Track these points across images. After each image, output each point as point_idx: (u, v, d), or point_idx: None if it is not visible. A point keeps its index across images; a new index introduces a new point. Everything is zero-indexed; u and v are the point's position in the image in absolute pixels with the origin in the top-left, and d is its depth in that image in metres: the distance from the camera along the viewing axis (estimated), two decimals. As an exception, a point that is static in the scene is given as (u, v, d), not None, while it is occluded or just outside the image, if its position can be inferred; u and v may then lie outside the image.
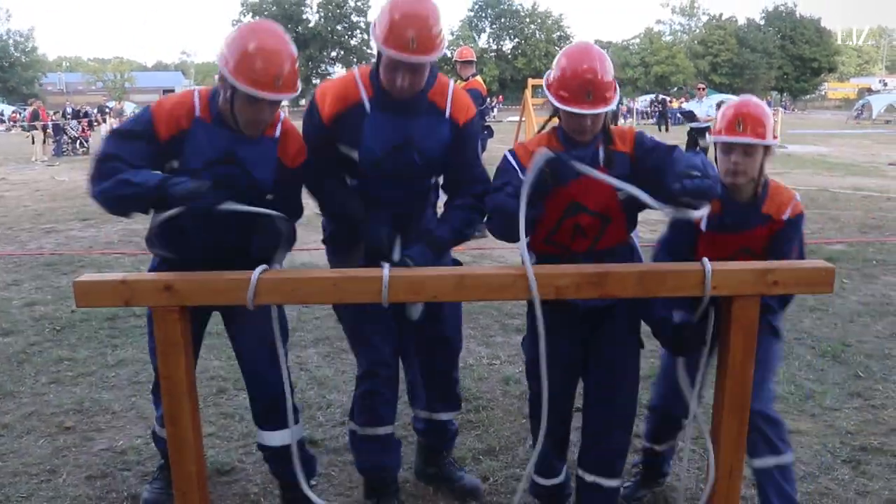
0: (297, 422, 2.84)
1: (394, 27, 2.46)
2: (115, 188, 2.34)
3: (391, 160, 2.70)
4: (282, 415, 2.77)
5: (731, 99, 2.89)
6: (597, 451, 2.81)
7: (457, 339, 3.15)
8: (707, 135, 14.01)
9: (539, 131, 2.75)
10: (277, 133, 2.63)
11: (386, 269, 2.27)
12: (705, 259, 2.29)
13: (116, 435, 3.76)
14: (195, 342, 2.81)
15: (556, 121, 2.68)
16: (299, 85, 2.49)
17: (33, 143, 21.80)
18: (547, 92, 2.59)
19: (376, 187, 2.77)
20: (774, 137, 2.71)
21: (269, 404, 2.82)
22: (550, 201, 2.55)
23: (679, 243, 2.82)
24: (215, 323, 2.95)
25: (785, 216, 2.73)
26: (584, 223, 2.60)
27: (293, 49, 2.48)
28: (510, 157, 2.62)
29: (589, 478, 2.82)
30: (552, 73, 2.59)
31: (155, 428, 3.12)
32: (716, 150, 2.76)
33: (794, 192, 2.80)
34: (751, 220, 2.74)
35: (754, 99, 2.78)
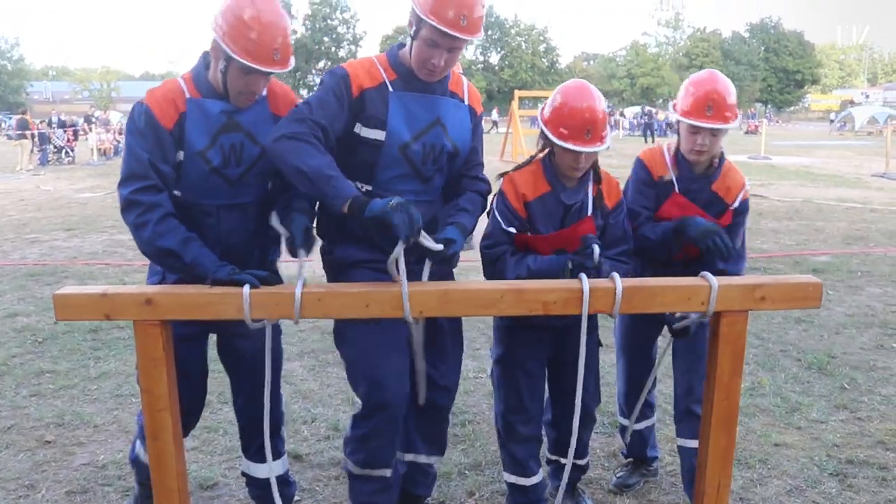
0: (281, 454, 2.83)
1: (445, 0, 2.36)
2: (175, 254, 2.36)
3: (420, 145, 2.55)
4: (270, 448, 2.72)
5: (697, 75, 2.94)
6: (568, 436, 2.91)
7: (457, 381, 2.96)
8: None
9: (527, 162, 2.82)
10: (264, 91, 2.55)
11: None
12: (704, 276, 2.31)
13: (98, 449, 3.71)
14: (202, 369, 2.82)
15: (541, 153, 2.80)
16: (293, 59, 2.48)
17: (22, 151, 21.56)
18: (544, 128, 2.66)
19: (395, 189, 2.52)
20: (736, 115, 2.81)
21: (258, 438, 2.75)
22: (536, 244, 2.72)
23: (648, 198, 2.95)
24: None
25: (735, 204, 2.90)
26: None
27: (289, 21, 2.46)
28: (501, 203, 2.74)
29: (564, 460, 2.94)
30: (549, 109, 2.67)
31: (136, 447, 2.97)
32: (678, 125, 2.88)
33: (744, 178, 2.96)
34: (701, 192, 2.89)
35: (720, 77, 2.86)
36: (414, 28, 2.45)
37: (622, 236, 2.80)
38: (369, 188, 2.56)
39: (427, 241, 2.28)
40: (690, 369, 3.04)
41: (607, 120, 2.66)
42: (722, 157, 2.93)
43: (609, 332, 3.56)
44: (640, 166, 2.99)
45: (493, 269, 2.73)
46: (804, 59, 79.64)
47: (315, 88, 2.64)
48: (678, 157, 2.92)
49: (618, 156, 19.23)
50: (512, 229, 2.71)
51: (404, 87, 2.54)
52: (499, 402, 3.01)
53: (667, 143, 3.02)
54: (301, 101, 2.54)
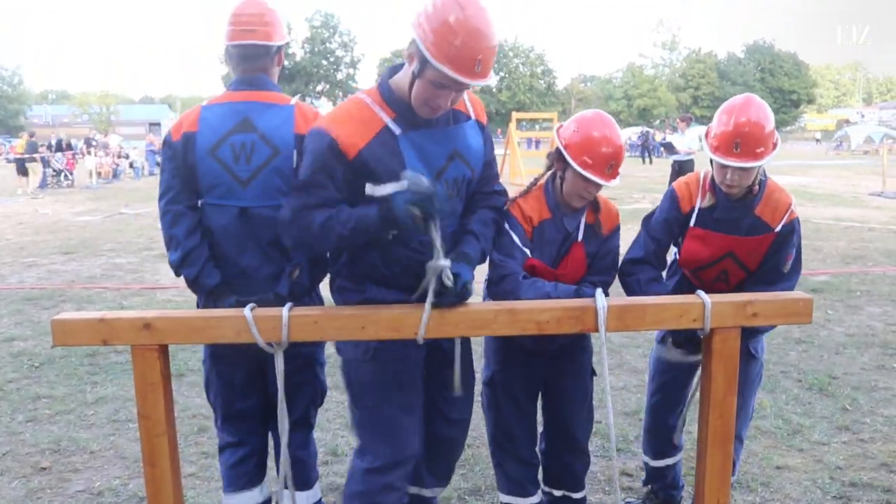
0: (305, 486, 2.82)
1: (460, 46, 2.09)
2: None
3: (442, 184, 2.33)
4: (300, 477, 2.72)
5: (732, 102, 2.72)
6: (560, 469, 3.01)
7: (471, 412, 2.82)
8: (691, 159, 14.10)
9: (532, 185, 2.78)
10: (290, 104, 2.67)
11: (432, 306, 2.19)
12: (697, 294, 2.30)
13: (94, 476, 3.67)
14: (260, 382, 2.80)
15: (545, 175, 2.77)
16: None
17: (26, 175, 21.53)
18: (565, 152, 2.58)
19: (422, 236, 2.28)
20: (774, 145, 2.63)
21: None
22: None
23: (665, 232, 2.88)
24: (197, 359, 2.89)
25: (779, 227, 2.74)
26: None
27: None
28: (510, 228, 2.65)
29: (557, 493, 3.02)
30: (573, 134, 2.59)
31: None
32: (712, 163, 2.74)
33: (790, 197, 2.79)
34: (743, 219, 2.75)
35: (754, 106, 2.63)
36: (417, 66, 2.17)
37: (611, 265, 2.77)
38: (395, 232, 2.27)
39: (437, 240, 2.17)
40: None
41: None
42: (763, 180, 2.76)
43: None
44: (670, 198, 2.89)
45: (500, 284, 2.59)
46: (799, 79, 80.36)
47: (315, 110, 2.60)
48: (715, 184, 2.77)
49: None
50: (527, 250, 2.65)
51: (410, 125, 2.29)
52: (489, 425, 2.98)
53: (704, 170, 2.87)
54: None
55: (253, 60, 2.67)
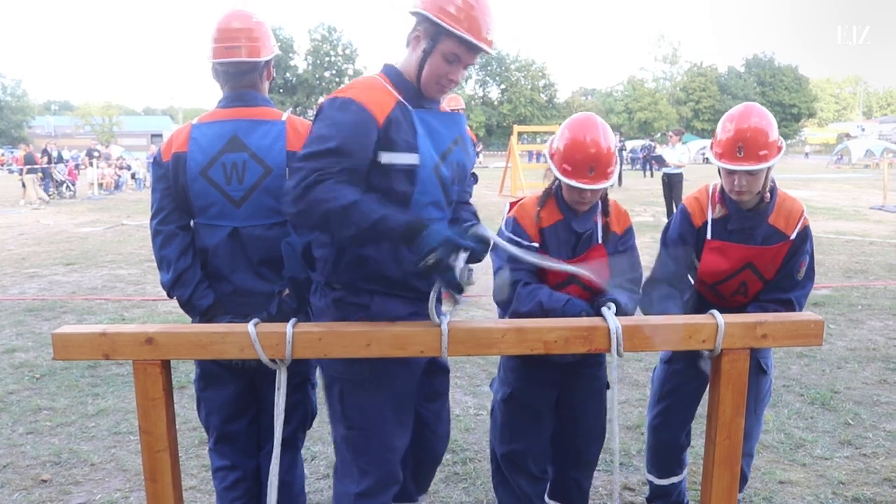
0: None
1: (476, 14, 2.18)
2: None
3: (447, 166, 2.32)
4: (286, 501, 2.67)
5: (733, 110, 2.79)
6: (567, 483, 3.01)
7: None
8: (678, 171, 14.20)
9: (545, 196, 2.79)
10: (284, 117, 2.64)
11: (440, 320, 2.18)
12: (711, 314, 2.29)
13: (95, 488, 3.66)
14: (252, 402, 2.81)
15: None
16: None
17: (24, 186, 21.60)
18: (550, 161, 2.66)
19: (430, 218, 2.23)
20: (778, 149, 2.66)
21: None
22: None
23: (681, 249, 2.87)
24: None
25: (794, 234, 2.76)
26: (574, 293, 2.69)
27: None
28: (515, 227, 2.72)
29: None
30: (556, 143, 2.66)
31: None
32: (720, 173, 2.77)
33: (801, 205, 2.82)
34: (757, 229, 2.76)
35: (755, 112, 2.69)
36: (429, 42, 2.22)
37: (632, 264, 2.76)
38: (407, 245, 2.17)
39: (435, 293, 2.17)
40: None
41: (614, 156, 2.63)
42: (774, 188, 2.79)
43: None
44: (682, 214, 2.90)
45: (503, 293, 2.64)
46: (799, 92, 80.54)
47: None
48: (725, 195, 2.81)
49: (620, 191, 19.24)
50: (535, 244, 2.68)
51: (418, 106, 2.30)
52: (502, 443, 2.96)
53: (713, 183, 2.90)
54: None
55: (240, 77, 2.65)
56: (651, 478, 3.27)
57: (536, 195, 2.80)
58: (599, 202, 2.75)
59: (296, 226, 2.41)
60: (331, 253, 2.29)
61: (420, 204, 2.25)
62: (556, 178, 2.69)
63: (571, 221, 2.70)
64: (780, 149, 2.66)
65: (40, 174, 22.51)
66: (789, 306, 2.75)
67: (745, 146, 2.62)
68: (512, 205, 2.86)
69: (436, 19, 2.17)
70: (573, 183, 2.58)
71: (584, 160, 2.56)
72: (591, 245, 2.72)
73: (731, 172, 2.67)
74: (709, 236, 2.83)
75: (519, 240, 2.67)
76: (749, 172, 2.63)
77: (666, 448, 3.16)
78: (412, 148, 2.20)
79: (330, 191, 2.06)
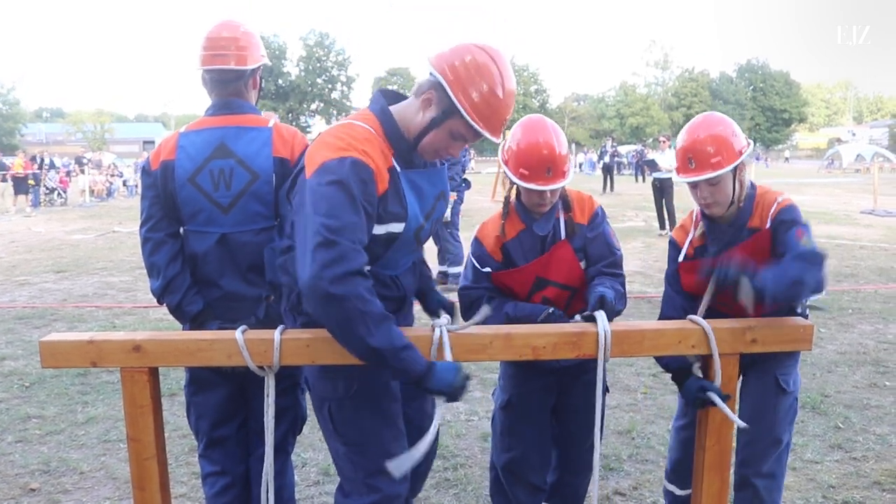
0: None
1: (499, 110, 2.15)
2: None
3: (430, 223, 2.30)
4: None
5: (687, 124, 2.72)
6: (564, 488, 3.01)
7: None
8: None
9: (505, 211, 2.79)
10: (271, 123, 2.65)
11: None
12: (688, 319, 2.30)
13: (84, 497, 3.64)
14: (241, 407, 2.81)
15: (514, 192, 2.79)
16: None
17: (14, 193, 21.50)
18: (505, 168, 2.66)
19: (398, 264, 2.29)
20: (738, 153, 2.55)
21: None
22: (516, 278, 2.70)
23: (675, 286, 2.81)
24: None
25: (768, 224, 2.60)
26: (551, 296, 2.69)
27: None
28: (477, 249, 2.77)
29: None
30: (508, 148, 2.66)
31: None
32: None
33: (777, 193, 2.68)
34: (738, 240, 2.64)
35: (705, 121, 2.62)
36: (440, 115, 2.11)
37: (607, 249, 2.71)
38: (369, 268, 2.11)
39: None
40: (754, 441, 2.73)
41: (568, 155, 2.61)
42: (750, 192, 2.67)
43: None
44: (672, 247, 2.84)
45: (470, 313, 2.66)
46: (791, 98, 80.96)
47: (307, 130, 2.44)
48: (703, 214, 2.71)
49: (612, 196, 19.18)
50: (488, 269, 2.73)
51: (406, 164, 2.20)
52: (502, 452, 2.92)
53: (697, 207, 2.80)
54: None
55: (226, 85, 2.68)
56: (672, 488, 3.07)
57: (498, 211, 2.81)
58: (560, 201, 2.72)
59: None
60: (295, 286, 2.17)
61: (393, 258, 2.24)
62: (514, 184, 2.70)
63: (533, 226, 2.70)
64: (740, 153, 2.56)
65: (11, 182, 22.04)
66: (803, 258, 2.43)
67: (695, 157, 2.56)
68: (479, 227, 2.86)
69: (455, 101, 2.07)
70: (532, 186, 2.57)
71: (540, 162, 2.55)
72: (553, 245, 2.70)
73: (692, 185, 2.62)
74: (680, 258, 2.76)
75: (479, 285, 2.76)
76: (709, 182, 2.56)
77: (692, 458, 3.06)
78: (400, 218, 2.14)
79: (347, 285, 1.94)
